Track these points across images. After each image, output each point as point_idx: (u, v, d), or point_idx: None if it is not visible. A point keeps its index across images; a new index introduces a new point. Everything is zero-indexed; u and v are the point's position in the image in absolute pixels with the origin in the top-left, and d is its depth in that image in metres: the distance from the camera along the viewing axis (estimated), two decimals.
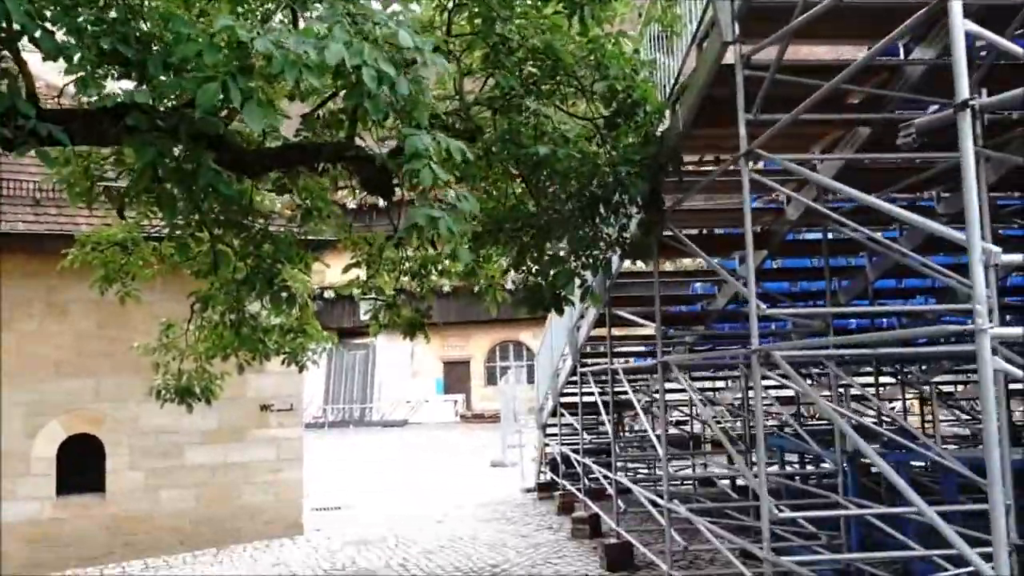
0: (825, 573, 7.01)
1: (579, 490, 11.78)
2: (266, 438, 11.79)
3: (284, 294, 5.68)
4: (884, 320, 9.79)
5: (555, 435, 13.82)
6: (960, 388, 14.27)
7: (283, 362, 7.87)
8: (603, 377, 11.31)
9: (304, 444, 12.26)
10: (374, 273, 7.25)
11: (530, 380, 32.03)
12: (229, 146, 5.08)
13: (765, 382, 11.09)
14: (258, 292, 5.66)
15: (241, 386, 11.49)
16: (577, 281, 6.67)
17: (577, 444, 12.41)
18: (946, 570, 5.05)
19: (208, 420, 11.31)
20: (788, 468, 10.99)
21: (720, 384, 14.28)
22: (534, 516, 12.89)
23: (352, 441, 26.66)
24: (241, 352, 7.73)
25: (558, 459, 13.66)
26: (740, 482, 11.17)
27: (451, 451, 23.41)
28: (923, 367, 11.08)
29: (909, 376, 10.80)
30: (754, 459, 12.48)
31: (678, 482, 11.87)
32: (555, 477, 14.22)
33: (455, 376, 34.63)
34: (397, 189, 6.43)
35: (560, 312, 6.68)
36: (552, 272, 6.24)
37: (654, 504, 8.13)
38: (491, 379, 34.70)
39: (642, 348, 13.82)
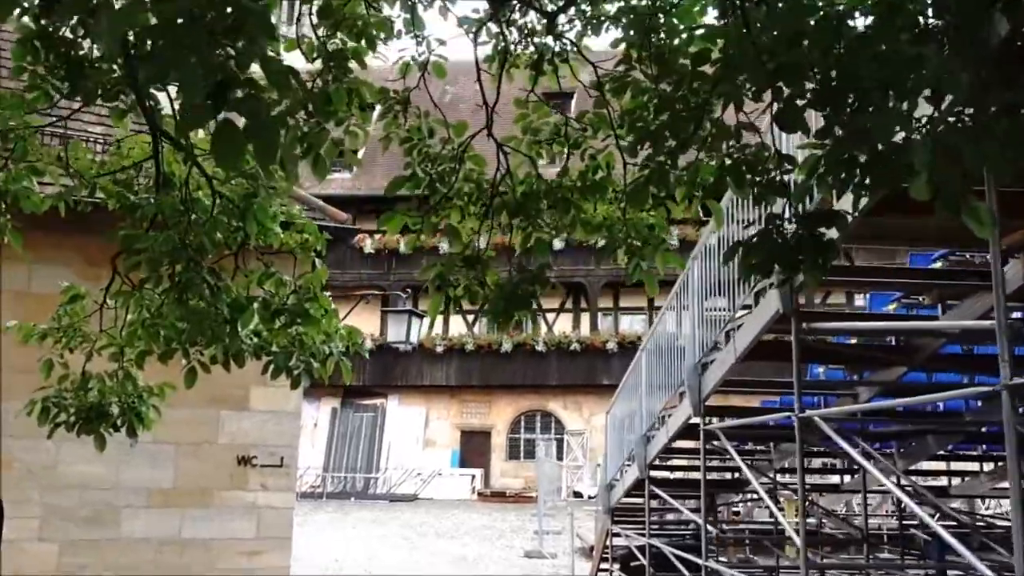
0: None
1: None
2: (243, 505, 8.25)
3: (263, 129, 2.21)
4: None
5: (641, 522, 10.14)
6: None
7: (265, 369, 4.46)
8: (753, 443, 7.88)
9: (295, 518, 8.72)
10: (440, 200, 3.90)
11: (559, 457, 28.85)
12: None
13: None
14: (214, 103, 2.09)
15: (210, 427, 8.07)
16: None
17: (680, 535, 8.84)
18: None
19: (161, 473, 7.88)
20: None
21: None
22: None
23: (355, 517, 22.80)
24: (194, 348, 4.37)
25: (639, 554, 10.02)
26: None
27: (473, 535, 19.58)
28: None
29: None
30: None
31: None
32: None
33: (473, 448, 30.64)
34: None
35: (822, 276, 3.23)
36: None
37: None
38: (513, 453, 30.78)
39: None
